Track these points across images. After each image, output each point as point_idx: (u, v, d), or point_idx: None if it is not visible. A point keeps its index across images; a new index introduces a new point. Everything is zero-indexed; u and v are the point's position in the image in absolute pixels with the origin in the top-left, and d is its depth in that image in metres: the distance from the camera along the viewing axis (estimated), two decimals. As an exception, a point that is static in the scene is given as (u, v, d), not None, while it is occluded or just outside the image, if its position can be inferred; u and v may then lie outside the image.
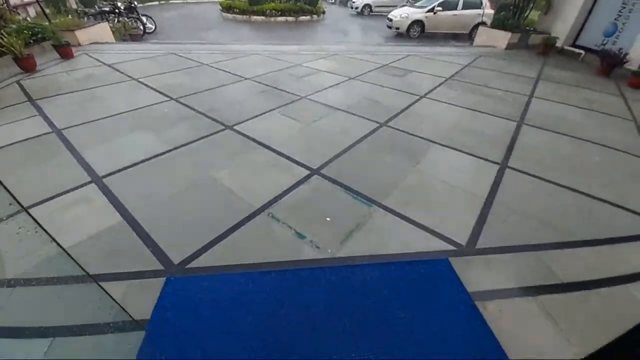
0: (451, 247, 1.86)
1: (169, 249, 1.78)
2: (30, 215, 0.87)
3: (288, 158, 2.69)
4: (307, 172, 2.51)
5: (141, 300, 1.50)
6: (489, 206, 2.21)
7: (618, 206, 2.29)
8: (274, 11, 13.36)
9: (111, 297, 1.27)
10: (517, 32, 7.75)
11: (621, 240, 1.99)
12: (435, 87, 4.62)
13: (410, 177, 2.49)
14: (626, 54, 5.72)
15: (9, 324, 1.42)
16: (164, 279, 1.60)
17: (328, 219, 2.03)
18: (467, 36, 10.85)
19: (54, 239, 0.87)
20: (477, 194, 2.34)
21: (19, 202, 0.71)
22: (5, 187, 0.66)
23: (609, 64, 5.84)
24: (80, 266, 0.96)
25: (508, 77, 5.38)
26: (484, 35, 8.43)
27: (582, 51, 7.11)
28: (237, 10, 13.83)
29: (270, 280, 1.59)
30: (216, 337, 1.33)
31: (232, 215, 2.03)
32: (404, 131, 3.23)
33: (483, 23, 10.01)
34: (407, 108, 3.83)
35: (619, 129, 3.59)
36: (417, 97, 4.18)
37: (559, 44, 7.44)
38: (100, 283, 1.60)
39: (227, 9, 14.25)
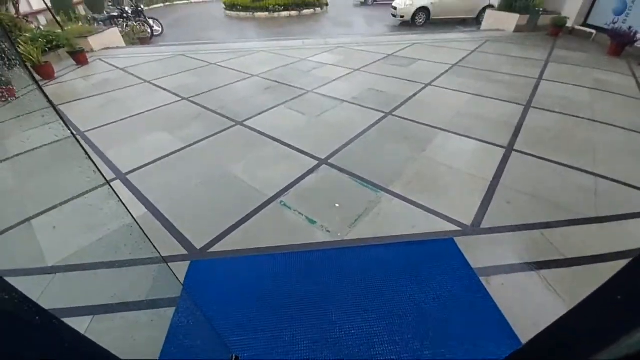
0: (457, 228, 1.94)
1: (191, 236, 1.93)
2: (111, 187, 1.01)
3: (297, 150, 2.80)
4: (315, 162, 2.62)
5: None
6: (494, 188, 2.26)
7: (625, 184, 2.30)
8: (277, 6, 13.38)
9: (174, 274, 1.41)
10: (526, 14, 7.54)
11: (627, 217, 2.01)
12: (441, 75, 4.62)
13: (417, 164, 2.56)
14: (636, 32, 5.50)
15: (57, 306, 1.60)
16: (189, 262, 1.75)
17: (337, 205, 2.14)
18: (474, 21, 10.58)
19: (129, 212, 1.00)
20: (483, 177, 2.39)
21: (103, 175, 0.83)
22: (91, 160, 0.78)
23: (620, 43, 5.63)
24: (152, 244, 1.10)
25: (516, 60, 5.29)
26: (491, 19, 8.24)
27: (593, 31, 6.87)
28: (240, 8, 13.91)
29: (285, 260, 1.71)
30: (238, 306, 1.47)
31: (246, 205, 2.17)
32: (409, 119, 3.28)
33: (490, 6, 9.74)
34: (412, 97, 3.86)
35: (630, 109, 3.52)
36: (423, 86, 4.20)
37: (569, 24, 7.20)
38: (131, 268, 1.77)
39: (230, 7, 14.35)
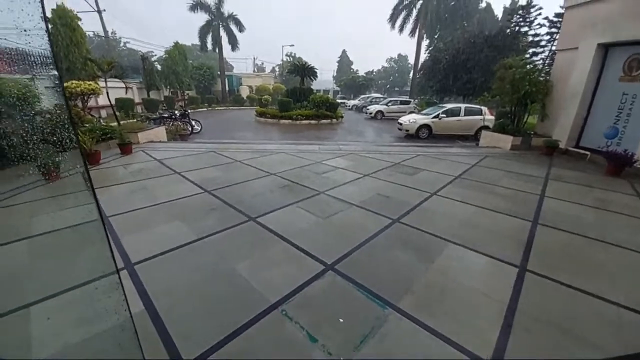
0: (474, 363, 1.73)
1: (182, 344, 1.79)
2: (119, 275, 1.04)
3: (304, 252, 2.82)
4: (322, 267, 2.59)
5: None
6: (512, 314, 2.10)
7: (658, 321, 2.09)
8: (299, 116, 15.76)
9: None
10: (519, 136, 8.50)
11: (672, 365, 1.76)
12: (445, 185, 4.93)
13: (426, 278, 2.49)
14: (633, 154, 5.94)
15: None
16: (173, 380, 1.57)
17: (341, 320, 2.01)
18: (472, 137, 11.90)
19: (129, 310, 0.99)
20: (498, 299, 2.25)
21: (115, 262, 0.89)
22: (110, 249, 0.85)
23: (618, 164, 6.02)
24: (142, 352, 1.03)
25: (516, 176, 5.67)
26: (488, 138, 9.28)
27: (587, 152, 7.50)
28: (269, 115, 16.47)
29: (279, 390, 1.51)
30: None
31: (246, 310, 2.06)
32: (417, 228, 3.36)
33: (486, 127, 11.13)
34: (418, 205, 4.05)
35: (641, 231, 3.51)
36: (428, 194, 4.45)
37: (561, 145, 7.93)
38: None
39: (260, 114, 17.05)
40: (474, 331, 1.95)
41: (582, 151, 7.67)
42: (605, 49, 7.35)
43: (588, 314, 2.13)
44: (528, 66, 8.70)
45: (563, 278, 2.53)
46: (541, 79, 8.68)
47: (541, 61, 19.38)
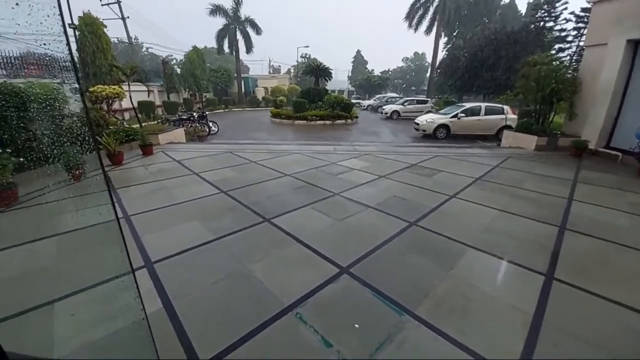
0: (498, 376, 1.64)
1: (199, 344, 1.82)
2: (134, 276, 1.06)
3: (319, 254, 2.80)
4: (336, 270, 2.56)
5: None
6: (538, 326, 1.98)
7: None
8: (314, 116, 15.78)
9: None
10: (544, 136, 8.09)
11: None
12: (465, 188, 4.76)
13: (445, 284, 2.40)
14: None
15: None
16: (189, 379, 1.59)
17: (356, 325, 1.97)
18: (494, 137, 11.43)
19: (144, 311, 1.01)
20: (522, 309, 2.14)
21: (131, 263, 0.90)
22: (126, 249, 0.87)
23: None
24: (156, 352, 1.06)
25: (542, 178, 5.39)
26: (510, 138, 8.90)
27: (618, 153, 7.04)
28: (284, 116, 16.59)
29: (293, 395, 1.50)
30: None
31: (261, 312, 2.07)
32: (434, 232, 3.25)
33: (508, 126, 10.69)
34: (437, 207, 3.93)
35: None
36: (447, 197, 4.31)
37: (591, 146, 7.48)
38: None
39: (275, 115, 17.20)
40: (496, 342, 1.86)
41: (613, 152, 7.21)
42: (635, 45, 6.88)
43: (622, 328, 1.98)
44: (554, 63, 8.28)
45: (594, 288, 2.37)
46: (568, 75, 8.24)
47: (568, 57, 18.44)
